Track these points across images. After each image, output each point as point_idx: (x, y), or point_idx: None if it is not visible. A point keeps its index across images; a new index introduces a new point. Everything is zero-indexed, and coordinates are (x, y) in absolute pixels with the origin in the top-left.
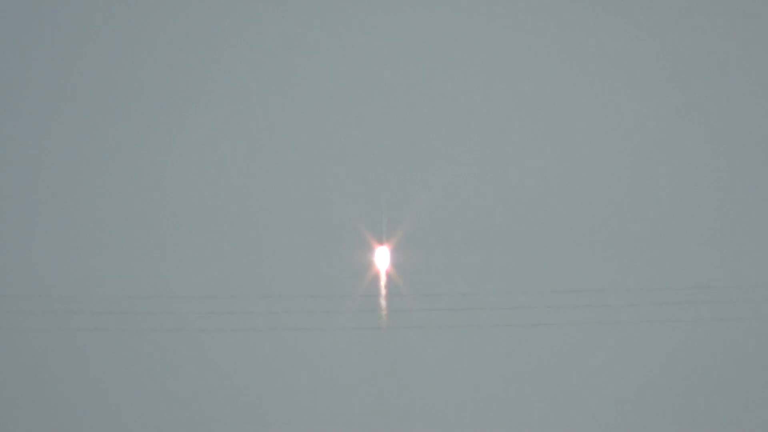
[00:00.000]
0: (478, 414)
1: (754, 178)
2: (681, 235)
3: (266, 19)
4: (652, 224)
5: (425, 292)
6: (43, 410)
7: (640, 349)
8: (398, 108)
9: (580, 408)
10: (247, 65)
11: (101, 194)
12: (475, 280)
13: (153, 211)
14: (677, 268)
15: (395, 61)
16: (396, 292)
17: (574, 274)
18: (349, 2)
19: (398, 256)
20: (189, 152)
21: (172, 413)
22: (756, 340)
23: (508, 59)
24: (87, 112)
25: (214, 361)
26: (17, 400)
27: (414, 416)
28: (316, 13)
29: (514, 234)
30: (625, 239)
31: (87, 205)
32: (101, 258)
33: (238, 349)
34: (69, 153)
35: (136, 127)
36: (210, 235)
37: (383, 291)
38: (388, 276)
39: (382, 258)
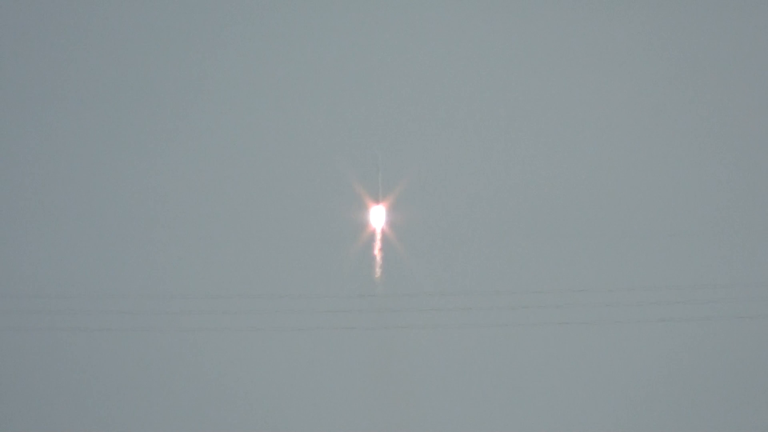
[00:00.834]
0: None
1: (762, 176)
2: (685, 233)
3: None
4: (655, 222)
5: (422, 257)
6: (39, 411)
7: (643, 349)
8: (397, 70)
9: (581, 409)
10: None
11: (91, 194)
12: (473, 267)
13: (133, 200)
14: (682, 267)
15: (396, 17)
16: (390, 252)
17: (574, 265)
18: None
19: (394, 216)
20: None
21: (165, 413)
22: (761, 339)
23: (519, 30)
24: (79, 112)
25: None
26: (14, 401)
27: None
28: None
29: (507, 208)
30: (628, 237)
31: (79, 205)
32: (91, 258)
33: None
34: (64, 153)
35: (118, 125)
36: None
37: (378, 252)
38: (383, 235)
39: (377, 217)
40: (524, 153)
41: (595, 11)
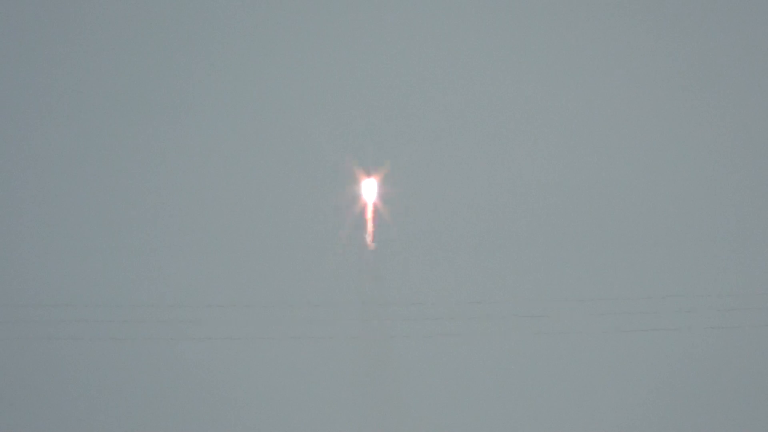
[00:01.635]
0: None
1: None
2: (690, 240)
3: None
4: (659, 230)
5: (413, 228)
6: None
7: (641, 358)
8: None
9: (579, 417)
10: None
11: (82, 198)
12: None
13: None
14: (685, 275)
15: None
16: (383, 227)
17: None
18: None
19: (386, 190)
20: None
21: (159, 421)
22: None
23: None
24: (71, 116)
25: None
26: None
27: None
28: None
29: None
30: (629, 245)
31: (73, 209)
32: (83, 263)
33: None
34: (57, 155)
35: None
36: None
37: (370, 226)
38: (375, 209)
39: (369, 191)
40: (522, 151)
41: (596, 11)
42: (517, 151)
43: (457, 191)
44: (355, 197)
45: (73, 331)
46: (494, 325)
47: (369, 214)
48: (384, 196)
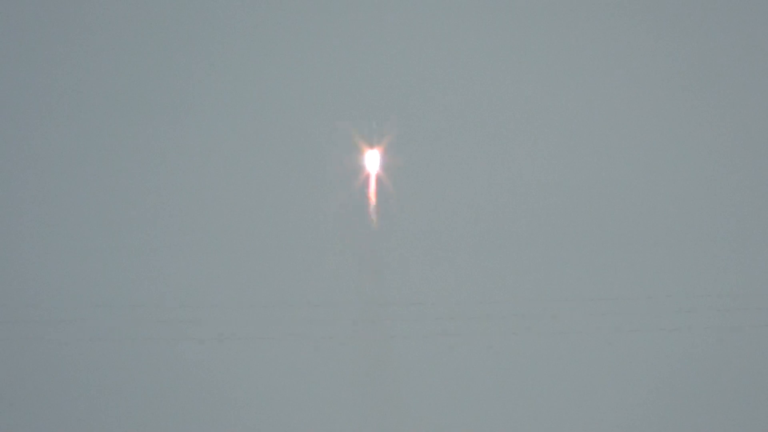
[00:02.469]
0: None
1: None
2: (690, 240)
3: None
4: (659, 230)
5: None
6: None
7: (644, 358)
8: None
9: (579, 418)
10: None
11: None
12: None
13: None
14: (685, 275)
15: None
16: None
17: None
18: None
19: (389, 161)
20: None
21: (158, 421)
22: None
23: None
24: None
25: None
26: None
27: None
28: None
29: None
30: (629, 245)
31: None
32: (83, 264)
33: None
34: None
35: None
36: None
37: (372, 198)
38: (378, 181)
39: (372, 162)
40: (522, 151)
41: (596, 11)
42: (517, 151)
43: (457, 191)
44: (355, 198)
45: (72, 331)
46: (494, 325)
47: (370, 212)
48: (384, 196)
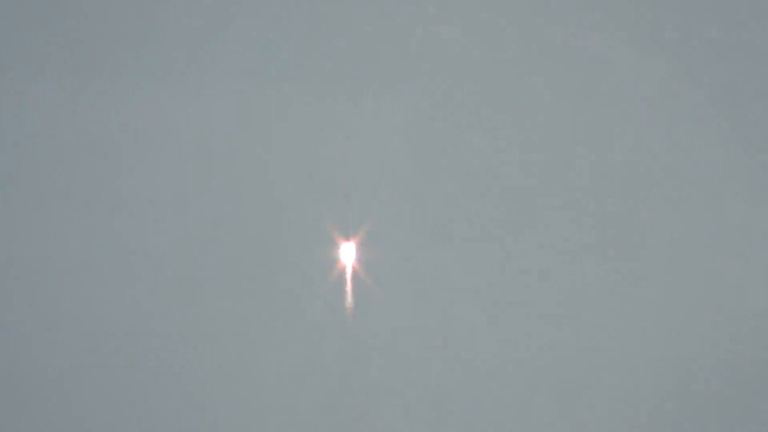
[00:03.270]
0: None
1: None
2: (690, 240)
3: None
4: (659, 230)
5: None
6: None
7: (644, 357)
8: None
9: (577, 417)
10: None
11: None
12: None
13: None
14: (684, 275)
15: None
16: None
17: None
18: None
19: (365, 253)
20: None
21: (158, 421)
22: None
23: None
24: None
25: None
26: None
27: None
28: None
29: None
30: (629, 245)
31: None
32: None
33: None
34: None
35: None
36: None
37: (348, 288)
38: (354, 272)
39: (348, 254)
40: (522, 150)
41: (596, 11)
42: (517, 151)
43: (457, 191)
44: (356, 196)
45: (72, 330)
46: (494, 323)
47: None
48: (383, 194)
